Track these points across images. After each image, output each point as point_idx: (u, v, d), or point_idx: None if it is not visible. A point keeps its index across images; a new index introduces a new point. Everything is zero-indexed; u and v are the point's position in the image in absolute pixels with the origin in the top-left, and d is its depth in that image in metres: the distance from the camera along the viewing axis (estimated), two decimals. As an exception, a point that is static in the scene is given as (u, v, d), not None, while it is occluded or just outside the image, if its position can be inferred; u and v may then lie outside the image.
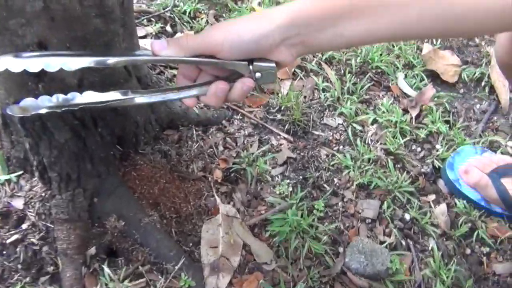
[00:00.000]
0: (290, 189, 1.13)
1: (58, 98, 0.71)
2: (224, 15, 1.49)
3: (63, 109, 0.70)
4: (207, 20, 1.45)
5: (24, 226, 0.89)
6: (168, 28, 1.41)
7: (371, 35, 0.59)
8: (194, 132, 1.20)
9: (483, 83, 1.57)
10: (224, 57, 0.63)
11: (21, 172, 0.94)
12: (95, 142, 0.91)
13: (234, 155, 1.19)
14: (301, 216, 1.08)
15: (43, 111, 0.69)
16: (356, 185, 1.18)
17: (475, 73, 1.57)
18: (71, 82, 0.84)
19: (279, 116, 1.29)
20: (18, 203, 0.91)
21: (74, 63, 0.64)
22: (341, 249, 1.08)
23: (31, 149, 0.88)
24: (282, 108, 1.30)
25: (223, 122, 1.25)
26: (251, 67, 0.64)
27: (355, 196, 1.18)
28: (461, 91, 1.55)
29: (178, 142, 1.18)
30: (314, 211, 1.11)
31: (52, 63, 0.63)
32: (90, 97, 0.71)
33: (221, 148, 1.20)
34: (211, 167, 1.15)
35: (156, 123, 1.13)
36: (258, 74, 0.65)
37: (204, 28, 1.43)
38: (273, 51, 0.62)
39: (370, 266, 1.03)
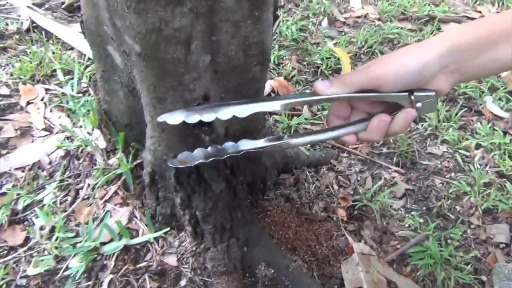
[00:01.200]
0: (421, 220, 1.11)
1: (213, 149, 0.72)
2: (306, 58, 1.53)
3: (225, 156, 0.71)
4: (292, 66, 1.49)
5: (182, 283, 0.88)
6: (257, 77, 1.45)
7: None
8: (308, 173, 1.20)
9: None
10: (387, 90, 0.63)
11: (168, 229, 0.94)
12: (242, 190, 0.91)
13: (351, 192, 1.18)
14: (440, 246, 1.05)
15: (201, 160, 0.70)
16: (482, 210, 1.15)
17: (555, 90, 1.56)
18: (220, 132, 0.86)
19: (384, 150, 1.29)
20: (172, 260, 0.90)
21: (245, 109, 0.65)
22: (484, 278, 1.04)
23: (181, 203, 0.89)
24: (386, 142, 1.30)
25: (332, 161, 1.25)
26: (412, 97, 0.64)
27: (481, 222, 1.15)
28: (546, 108, 1.54)
29: (295, 185, 1.17)
30: (449, 241, 1.08)
31: (224, 112, 0.65)
32: (246, 145, 0.72)
33: (336, 187, 1.20)
34: (333, 206, 1.14)
35: (274, 167, 1.14)
36: (419, 104, 0.64)
37: (290, 72, 1.46)
38: (433, 80, 0.62)
39: (523, 292, 0.99)
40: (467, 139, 1.34)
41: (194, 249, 0.91)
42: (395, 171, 1.24)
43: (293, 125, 1.30)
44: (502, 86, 1.54)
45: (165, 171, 0.89)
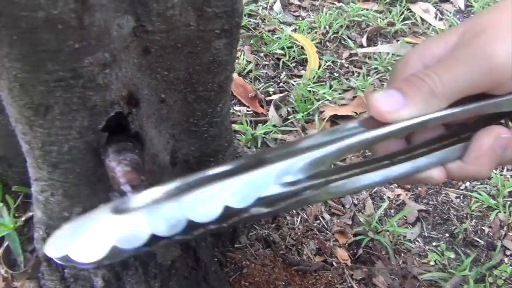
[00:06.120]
0: (452, 255, 0.81)
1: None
2: (263, 48, 1.20)
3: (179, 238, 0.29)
4: (246, 59, 1.15)
5: None
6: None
7: None
8: (287, 201, 0.87)
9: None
10: (507, 90, 0.31)
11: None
12: (206, 252, 0.56)
13: (349, 222, 0.86)
14: (486, 292, 0.76)
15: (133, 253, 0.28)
16: (517, 229, 0.88)
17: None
18: (164, 159, 0.50)
19: (380, 159, 0.98)
20: None
21: (239, 194, 0.26)
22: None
23: (105, 287, 0.51)
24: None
25: (316, 180, 0.92)
26: None
27: (518, 245, 0.87)
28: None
29: (274, 220, 0.83)
30: (490, 279, 0.80)
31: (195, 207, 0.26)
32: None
33: (327, 216, 0.87)
34: (329, 246, 0.81)
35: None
36: None
37: (244, 67, 1.12)
38: None
39: None
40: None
41: None
42: (398, 186, 0.94)
43: (259, 136, 0.96)
44: None
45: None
